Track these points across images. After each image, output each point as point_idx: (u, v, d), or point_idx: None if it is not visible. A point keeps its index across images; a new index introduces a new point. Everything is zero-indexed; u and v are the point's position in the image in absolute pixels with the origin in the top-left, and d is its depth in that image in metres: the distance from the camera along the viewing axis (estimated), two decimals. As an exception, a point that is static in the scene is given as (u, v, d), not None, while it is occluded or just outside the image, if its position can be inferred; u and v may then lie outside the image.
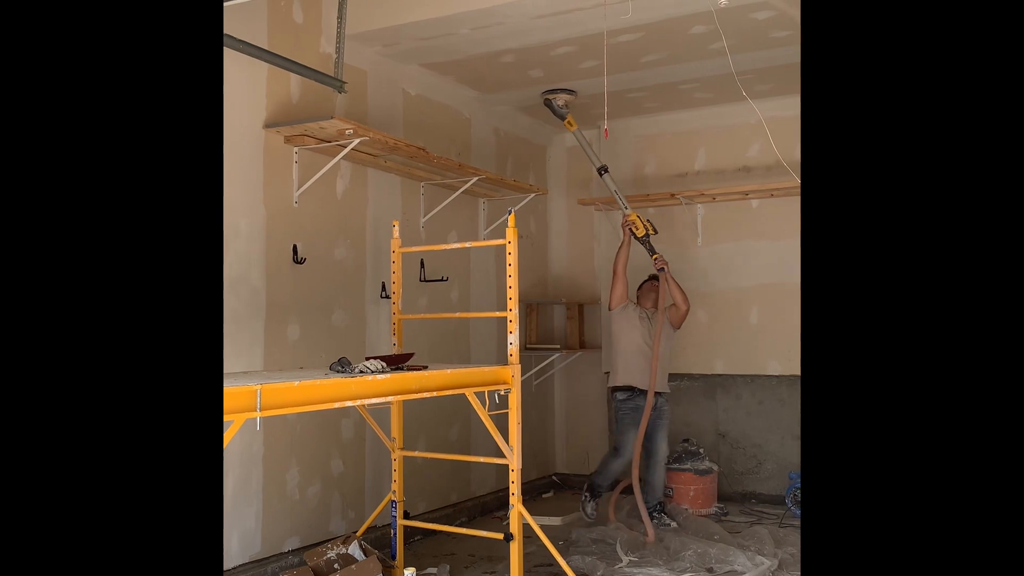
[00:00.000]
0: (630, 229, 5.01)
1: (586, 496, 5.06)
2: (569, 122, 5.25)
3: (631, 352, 4.96)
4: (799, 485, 5.10)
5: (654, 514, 4.83)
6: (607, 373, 5.34)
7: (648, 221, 5.05)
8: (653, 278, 5.15)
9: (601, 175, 5.20)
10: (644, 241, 5.01)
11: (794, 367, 5.50)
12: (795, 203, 5.45)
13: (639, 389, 4.90)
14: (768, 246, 5.60)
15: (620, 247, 5.05)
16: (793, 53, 4.64)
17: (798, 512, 5.00)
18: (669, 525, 4.80)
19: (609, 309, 5.11)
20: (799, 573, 3.88)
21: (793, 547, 4.30)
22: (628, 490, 5.33)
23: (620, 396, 4.98)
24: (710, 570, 3.92)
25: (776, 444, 5.55)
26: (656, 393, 4.89)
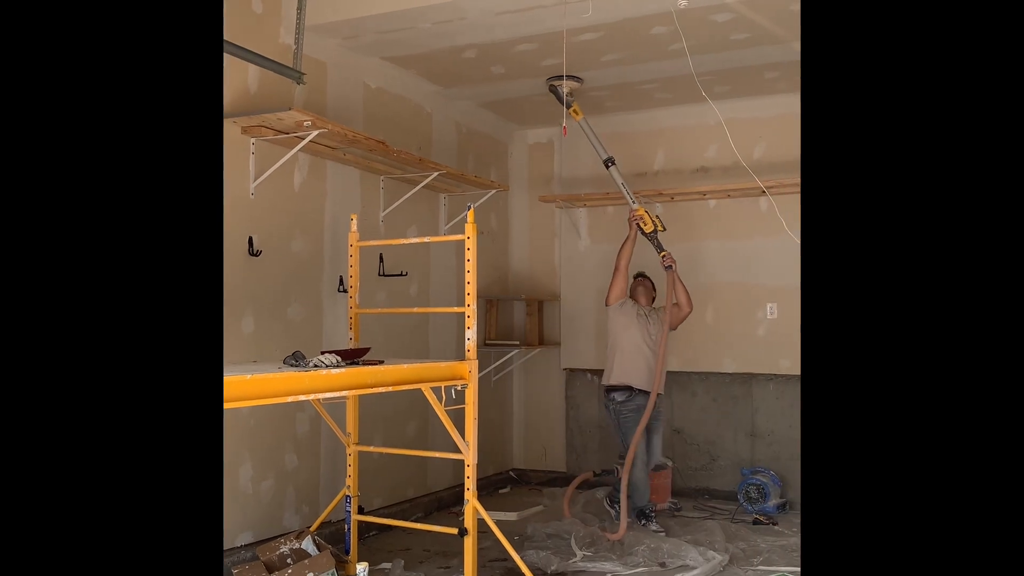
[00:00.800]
0: (637, 224, 4.87)
1: (643, 521, 4.72)
2: (575, 111, 5.01)
3: (629, 351, 4.81)
4: (751, 481, 5.19)
5: (642, 519, 4.77)
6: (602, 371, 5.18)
7: (657, 217, 4.91)
8: (642, 275, 5.07)
9: (608, 167, 5.05)
10: (652, 237, 4.88)
11: (748, 365, 5.59)
12: (753, 203, 5.54)
13: (637, 389, 4.77)
14: (724, 246, 5.68)
15: (625, 242, 4.88)
16: (751, 55, 4.71)
17: (750, 508, 5.09)
18: (660, 532, 4.57)
19: (607, 304, 4.94)
20: (749, 568, 3.95)
21: (744, 542, 4.38)
22: (583, 485, 5.38)
23: (618, 397, 4.79)
24: (662, 565, 3.98)
25: (729, 441, 5.63)
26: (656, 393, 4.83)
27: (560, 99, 5.06)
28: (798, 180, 5.15)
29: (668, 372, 5.82)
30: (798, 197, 5.35)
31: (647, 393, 4.76)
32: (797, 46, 4.53)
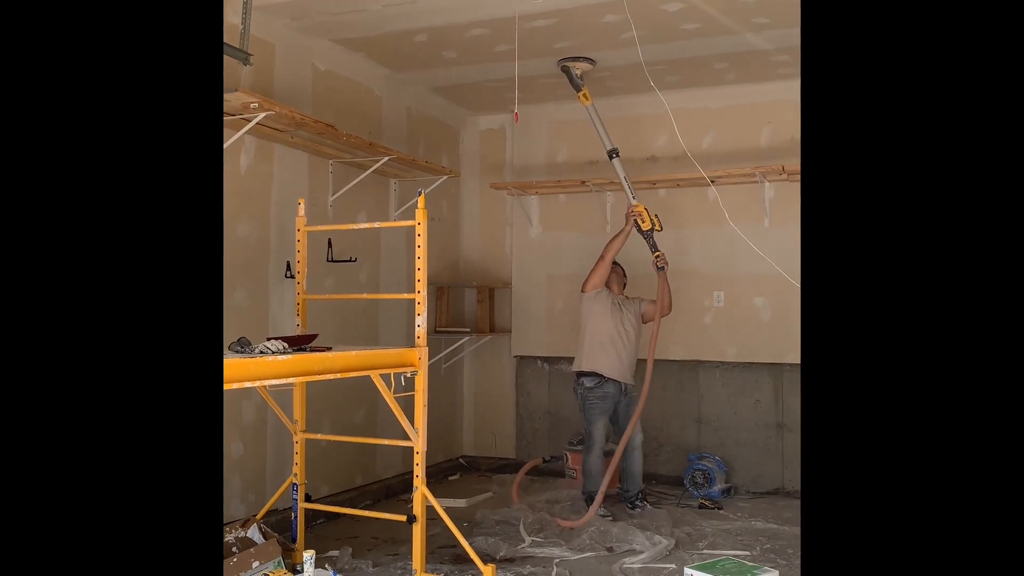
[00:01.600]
0: (635, 220, 4.85)
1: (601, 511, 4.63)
2: (585, 95, 4.90)
3: (601, 339, 4.84)
4: (697, 467, 5.28)
5: (637, 502, 4.85)
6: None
7: (656, 216, 4.89)
8: (614, 263, 5.01)
9: (611, 158, 4.96)
10: (648, 236, 4.87)
11: (696, 352, 5.67)
12: (701, 193, 5.61)
13: (607, 377, 4.80)
14: (674, 234, 5.73)
15: (618, 234, 4.88)
16: (702, 45, 4.75)
17: (696, 493, 5.17)
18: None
19: (583, 291, 4.93)
20: (695, 552, 4.02)
21: (690, 526, 4.45)
22: (532, 471, 5.41)
23: (587, 383, 4.83)
24: (610, 549, 4.02)
25: (676, 428, 5.72)
26: (626, 383, 4.88)
27: (572, 80, 4.95)
28: (746, 170, 5.25)
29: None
30: (744, 187, 5.45)
31: (616, 382, 4.82)
32: (749, 37, 4.59)
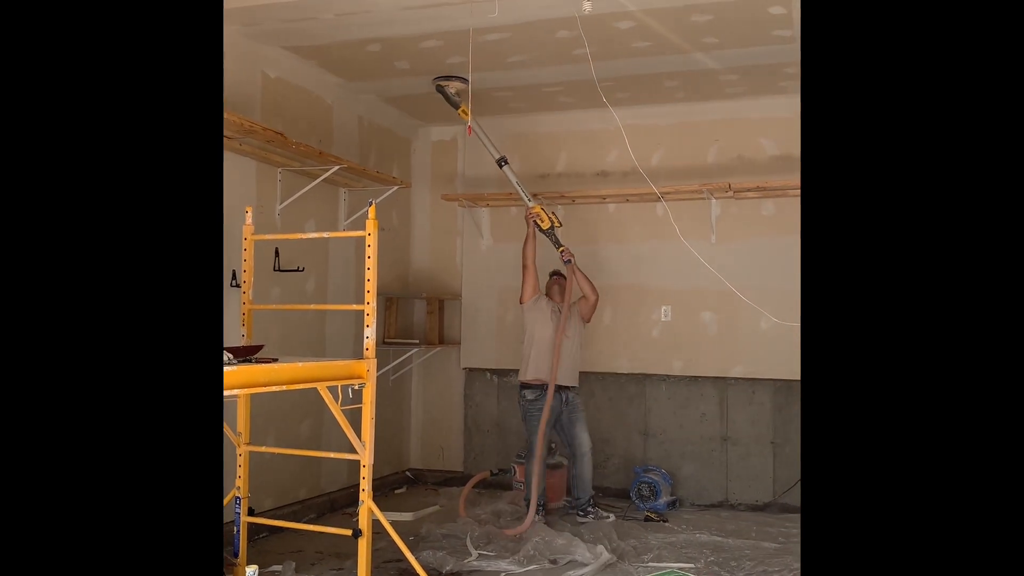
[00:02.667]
0: (534, 221, 4.95)
1: (539, 516, 4.67)
2: (464, 111, 5.05)
3: (540, 348, 4.89)
4: (644, 479, 5.33)
5: (589, 508, 4.93)
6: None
7: (553, 213, 5.00)
8: (557, 273, 5.13)
9: (501, 167, 5.12)
10: (549, 234, 4.97)
11: (643, 365, 5.73)
12: (650, 208, 5.68)
13: (547, 387, 4.81)
14: (622, 249, 5.80)
15: (526, 240, 4.98)
16: (652, 64, 4.82)
17: (642, 506, 5.21)
18: (608, 517, 4.90)
19: (521, 303, 5.02)
20: (640, 564, 4.05)
21: (636, 539, 4.48)
22: (480, 484, 5.39)
23: (529, 395, 4.88)
24: (553, 562, 4.02)
25: (623, 440, 5.76)
26: (566, 388, 4.91)
27: (448, 99, 5.10)
28: (694, 187, 5.34)
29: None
30: (692, 203, 5.54)
31: (557, 393, 4.85)
32: (697, 56, 4.68)
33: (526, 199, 5.05)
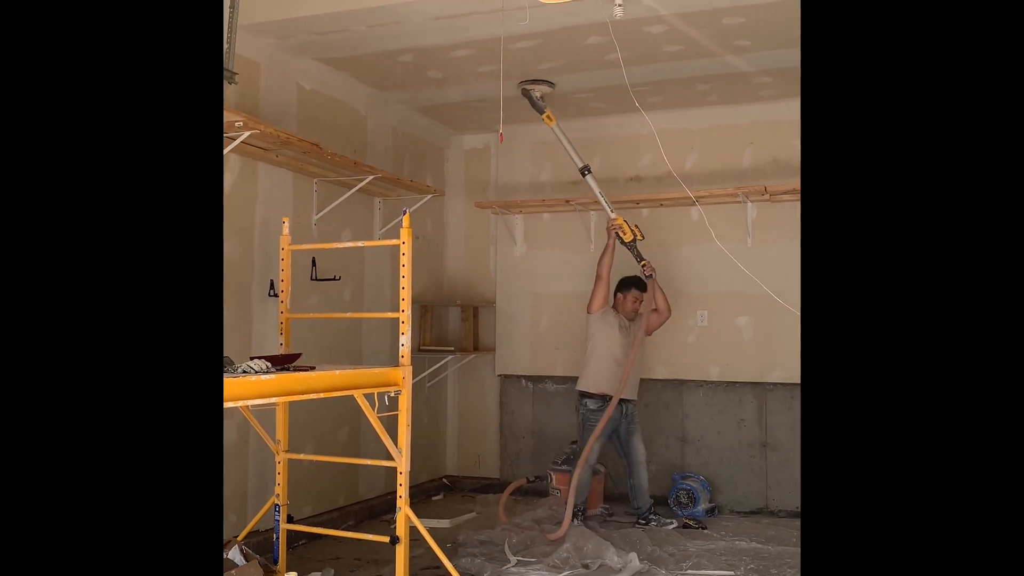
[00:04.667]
0: (616, 233, 4.90)
1: (577, 522, 4.73)
2: (548, 116, 4.97)
3: (605, 360, 4.88)
4: (681, 486, 5.28)
5: (651, 516, 4.95)
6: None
7: (636, 226, 4.96)
8: (628, 287, 5.03)
9: (583, 175, 5.05)
10: (631, 247, 4.92)
11: (679, 371, 5.68)
12: (684, 213, 5.65)
13: (611, 398, 4.78)
14: (657, 254, 5.75)
15: (604, 251, 4.94)
16: (684, 68, 4.80)
17: (680, 513, 5.17)
18: (670, 524, 4.91)
19: (588, 312, 4.99)
20: (679, 572, 4.01)
21: (674, 547, 4.44)
22: (517, 491, 5.38)
23: (591, 405, 4.86)
24: (586, 566, 4.01)
25: (661, 446, 5.71)
26: (627, 400, 4.90)
27: (533, 103, 5.01)
28: (729, 190, 5.29)
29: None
30: (727, 207, 5.49)
31: (624, 402, 4.85)
32: (729, 59, 4.65)
33: (608, 210, 4.97)
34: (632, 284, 5.06)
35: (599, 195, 5.02)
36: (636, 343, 4.82)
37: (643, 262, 4.93)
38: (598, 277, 4.95)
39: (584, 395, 4.94)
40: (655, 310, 4.99)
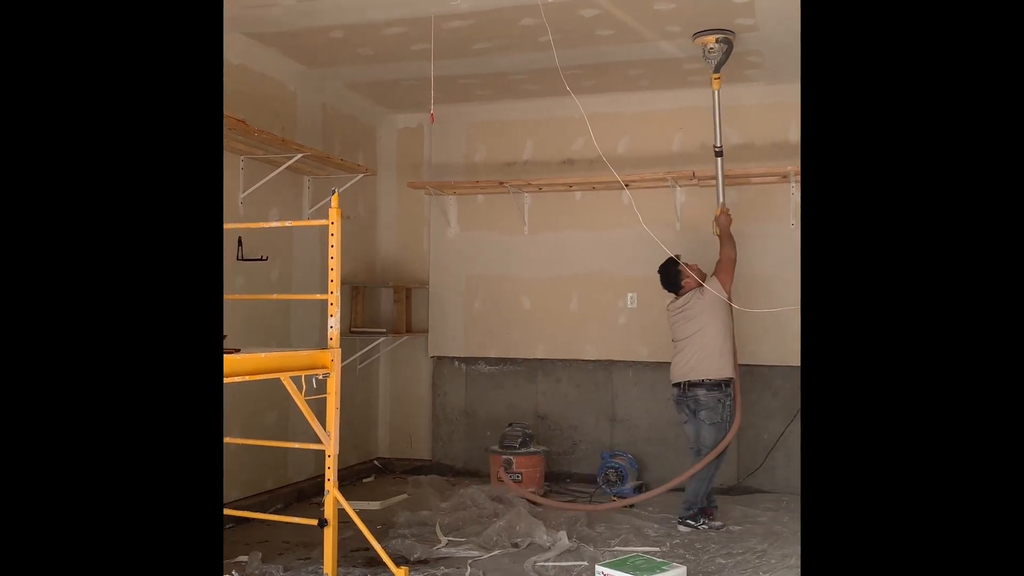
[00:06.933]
0: (724, 222, 4.66)
1: (703, 522, 4.51)
2: (717, 77, 4.60)
3: (732, 343, 4.63)
4: (610, 464, 5.37)
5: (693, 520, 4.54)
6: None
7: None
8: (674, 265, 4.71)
9: (716, 156, 4.76)
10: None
11: (609, 352, 5.77)
12: (616, 196, 5.71)
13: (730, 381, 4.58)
14: (588, 237, 5.83)
15: (727, 239, 4.64)
16: (617, 52, 4.83)
17: (609, 491, 5.26)
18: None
19: (728, 292, 4.59)
20: (607, 549, 4.09)
21: (603, 524, 4.53)
22: (449, 472, 5.38)
23: (728, 391, 4.55)
24: (515, 545, 4.06)
25: (591, 426, 5.80)
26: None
27: (722, 59, 4.53)
28: (658, 175, 5.37)
29: (537, 360, 5.93)
30: (657, 191, 5.58)
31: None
32: (662, 45, 4.69)
33: (720, 197, 4.78)
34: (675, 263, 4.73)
35: (720, 181, 4.79)
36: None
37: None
38: (732, 260, 4.60)
39: (728, 383, 4.55)
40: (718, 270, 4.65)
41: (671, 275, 4.71)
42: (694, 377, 4.55)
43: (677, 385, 4.65)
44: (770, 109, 5.44)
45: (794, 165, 5.13)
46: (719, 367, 4.53)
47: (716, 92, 4.71)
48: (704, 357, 4.54)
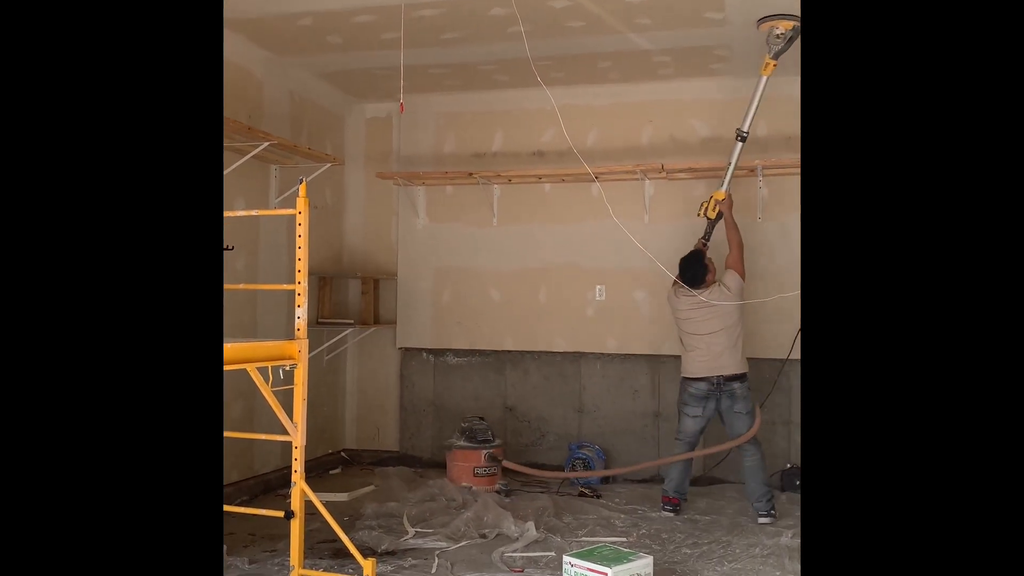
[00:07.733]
0: (725, 206, 4.60)
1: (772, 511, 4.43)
2: (769, 63, 4.40)
3: (743, 338, 4.63)
4: (578, 456, 5.40)
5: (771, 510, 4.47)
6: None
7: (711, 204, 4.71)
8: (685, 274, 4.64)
9: (738, 140, 4.63)
10: (711, 223, 4.70)
11: (577, 344, 5.79)
12: (585, 189, 5.72)
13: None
14: (557, 229, 5.84)
15: (732, 224, 4.59)
16: (587, 43, 4.83)
17: (575, 482, 5.29)
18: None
19: (743, 281, 4.59)
20: (574, 539, 4.12)
21: (570, 515, 4.55)
22: (416, 464, 5.38)
23: (747, 382, 4.58)
24: (483, 536, 4.07)
25: (559, 418, 5.83)
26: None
27: (786, 44, 4.33)
28: (627, 167, 5.39)
29: (506, 351, 5.94)
30: (626, 184, 5.60)
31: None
32: (632, 37, 4.71)
33: (726, 182, 4.68)
34: (699, 255, 4.66)
35: (731, 166, 4.67)
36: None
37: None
38: (740, 246, 4.57)
39: (745, 377, 4.56)
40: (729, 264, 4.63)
41: (697, 269, 4.57)
42: (729, 372, 4.51)
43: (704, 379, 4.53)
44: (738, 104, 5.48)
45: (762, 160, 5.18)
46: (743, 359, 4.59)
47: (765, 78, 4.48)
48: (734, 351, 4.54)
